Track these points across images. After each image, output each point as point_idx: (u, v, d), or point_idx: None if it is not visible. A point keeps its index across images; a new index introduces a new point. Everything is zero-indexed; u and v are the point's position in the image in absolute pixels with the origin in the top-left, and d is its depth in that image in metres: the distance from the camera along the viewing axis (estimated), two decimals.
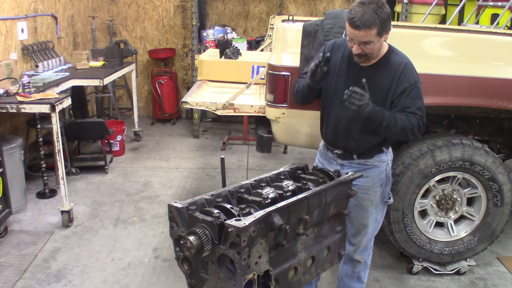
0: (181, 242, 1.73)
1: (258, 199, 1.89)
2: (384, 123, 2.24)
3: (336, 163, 2.49)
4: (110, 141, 5.29)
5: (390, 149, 2.52)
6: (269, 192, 1.94)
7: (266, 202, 1.87)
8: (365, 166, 2.42)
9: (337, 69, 2.40)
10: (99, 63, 5.38)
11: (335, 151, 2.48)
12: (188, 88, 5.35)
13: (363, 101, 2.15)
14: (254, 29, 7.13)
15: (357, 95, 2.16)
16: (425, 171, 3.05)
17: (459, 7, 5.28)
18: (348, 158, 2.45)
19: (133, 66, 5.85)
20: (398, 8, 6.29)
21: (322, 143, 2.62)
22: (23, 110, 3.67)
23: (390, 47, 2.35)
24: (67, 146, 4.71)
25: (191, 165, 5.29)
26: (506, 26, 5.17)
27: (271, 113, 3.12)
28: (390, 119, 2.24)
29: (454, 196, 3.21)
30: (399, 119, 2.25)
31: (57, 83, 4.34)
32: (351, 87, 2.18)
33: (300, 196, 1.89)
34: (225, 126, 6.82)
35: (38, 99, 3.68)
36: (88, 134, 5.14)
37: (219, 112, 3.35)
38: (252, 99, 3.51)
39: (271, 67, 3.06)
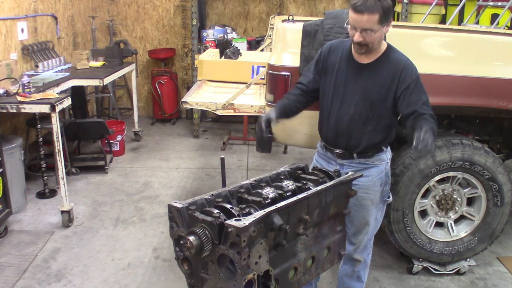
0: (181, 242, 1.73)
1: (258, 199, 1.89)
2: (434, 131, 2.18)
3: (336, 163, 2.49)
4: (110, 141, 5.29)
5: (389, 148, 2.53)
6: (269, 192, 1.94)
7: (266, 202, 1.87)
8: (365, 165, 2.42)
9: (336, 69, 2.40)
10: (99, 63, 5.38)
11: (335, 151, 2.48)
12: (188, 88, 5.35)
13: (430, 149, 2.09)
14: (254, 29, 7.13)
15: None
16: (425, 171, 3.05)
17: (459, 7, 5.28)
18: (348, 158, 2.45)
19: (133, 66, 5.86)
20: (398, 8, 6.30)
21: (320, 143, 2.62)
22: (23, 110, 3.67)
23: (389, 45, 2.36)
24: (67, 146, 4.71)
25: (191, 165, 5.29)
26: (506, 26, 5.17)
27: None
28: (432, 126, 2.17)
29: (454, 196, 3.21)
30: (428, 122, 2.18)
31: (57, 83, 4.34)
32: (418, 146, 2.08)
33: (300, 196, 1.89)
34: (225, 126, 6.82)
35: (38, 99, 3.68)
36: (88, 134, 5.14)
37: (219, 112, 3.35)
38: (252, 99, 3.51)
39: (271, 67, 3.06)
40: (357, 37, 2.21)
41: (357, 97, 2.35)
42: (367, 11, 2.13)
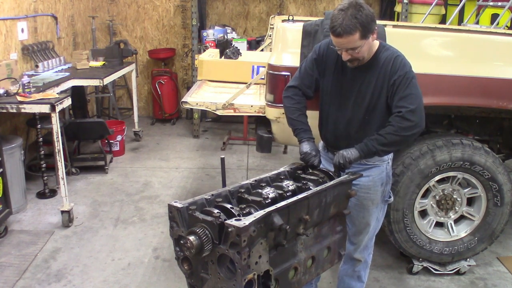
0: (181, 242, 1.73)
1: (258, 199, 1.89)
2: (376, 149, 2.26)
3: None
4: (110, 141, 5.29)
5: None
6: (269, 192, 1.95)
7: (266, 202, 1.87)
8: (366, 166, 2.42)
9: (334, 71, 2.39)
10: (99, 63, 5.38)
11: (335, 152, 2.48)
12: (188, 88, 5.35)
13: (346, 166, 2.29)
14: (254, 29, 7.13)
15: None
16: (425, 171, 3.05)
17: (459, 7, 5.28)
18: None
19: (133, 66, 5.85)
20: (398, 8, 6.30)
21: (321, 143, 2.62)
22: (23, 110, 3.67)
23: (381, 44, 2.32)
24: (67, 146, 4.71)
25: (191, 165, 5.29)
26: (506, 26, 5.17)
27: (271, 113, 3.11)
28: (378, 140, 2.24)
29: (454, 196, 3.21)
30: (382, 132, 2.25)
31: (57, 83, 4.34)
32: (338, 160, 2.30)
33: (300, 196, 1.89)
34: (225, 126, 6.82)
35: (38, 99, 3.68)
36: (88, 134, 5.14)
37: (219, 112, 3.35)
38: (252, 99, 3.50)
39: (271, 67, 3.06)
40: (344, 56, 2.22)
41: (352, 100, 2.34)
42: (346, 33, 2.11)
